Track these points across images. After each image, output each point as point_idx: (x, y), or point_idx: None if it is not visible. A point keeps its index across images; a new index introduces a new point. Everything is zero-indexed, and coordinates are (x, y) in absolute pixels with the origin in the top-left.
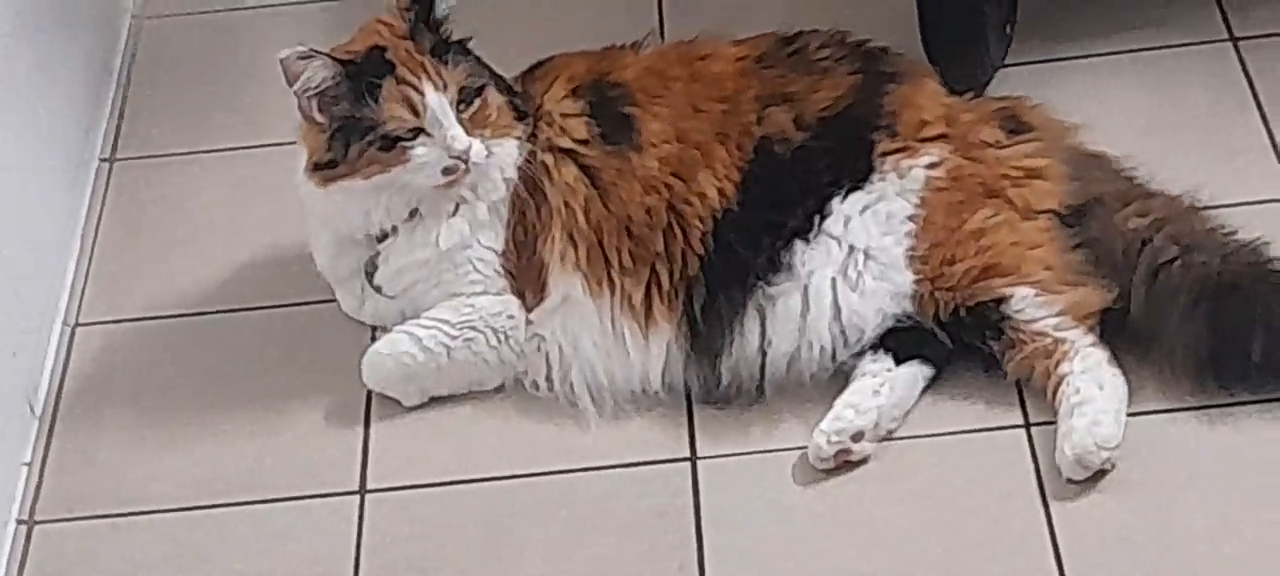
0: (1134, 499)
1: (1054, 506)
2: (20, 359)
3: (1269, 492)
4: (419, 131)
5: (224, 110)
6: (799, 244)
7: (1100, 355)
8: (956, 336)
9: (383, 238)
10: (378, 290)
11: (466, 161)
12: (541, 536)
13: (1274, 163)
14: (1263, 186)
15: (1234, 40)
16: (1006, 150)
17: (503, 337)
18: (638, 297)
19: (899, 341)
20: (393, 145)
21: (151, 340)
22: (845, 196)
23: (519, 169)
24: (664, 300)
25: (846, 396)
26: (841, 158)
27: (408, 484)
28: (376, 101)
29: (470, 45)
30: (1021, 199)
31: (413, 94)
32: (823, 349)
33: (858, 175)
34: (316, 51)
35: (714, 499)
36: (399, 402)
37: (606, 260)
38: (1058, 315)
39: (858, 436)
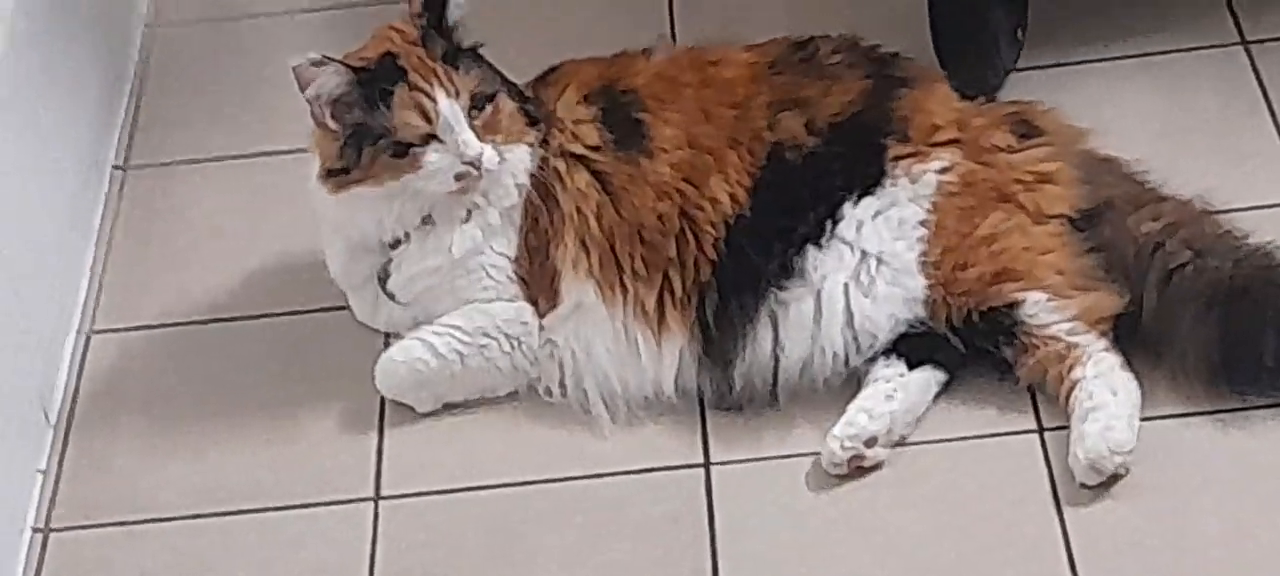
0: (1148, 504)
1: (1068, 511)
2: (35, 366)
3: None
4: (431, 138)
5: (237, 117)
6: (811, 249)
7: (1113, 360)
8: (969, 341)
9: (395, 244)
10: (391, 297)
11: (479, 168)
12: (555, 542)
13: None
14: (1275, 190)
15: (1245, 44)
16: (1018, 155)
17: (516, 344)
18: (650, 304)
19: (912, 346)
20: (405, 152)
21: (166, 347)
22: (857, 202)
23: (531, 175)
24: (676, 306)
25: (859, 402)
26: (853, 163)
27: (421, 490)
28: (389, 108)
29: (482, 51)
30: (1033, 203)
31: (425, 100)
32: (835, 354)
33: (869, 180)
34: (329, 58)
35: (727, 505)
36: (412, 409)
37: (619, 266)
38: (1070, 320)
39: (871, 442)
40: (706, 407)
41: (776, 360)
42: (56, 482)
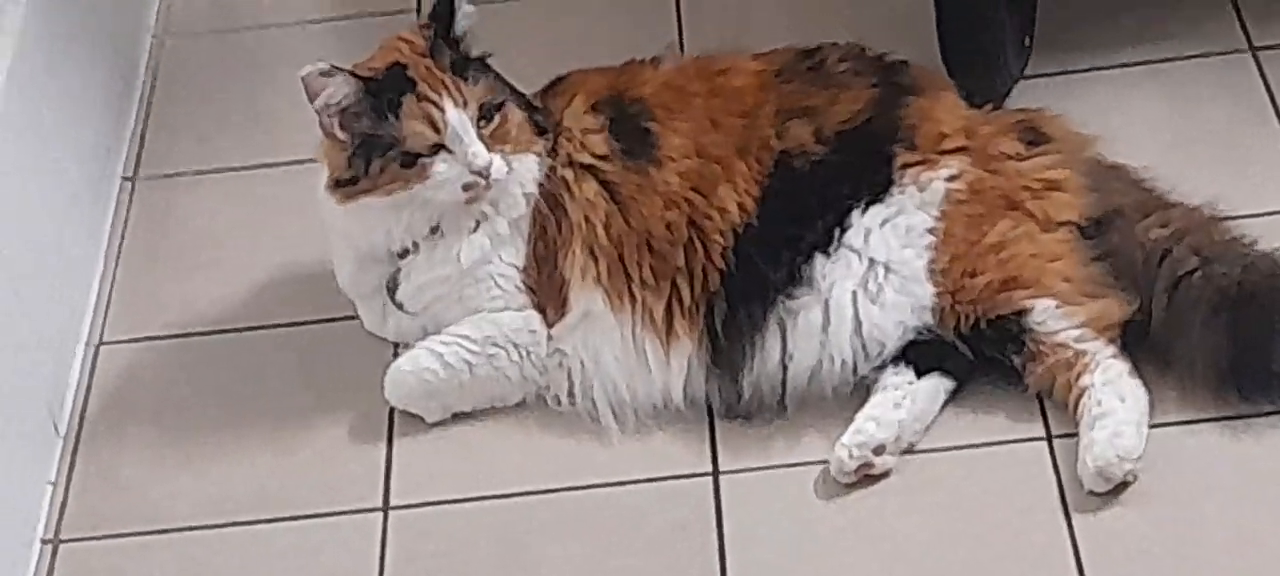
0: (1156, 511)
1: (1076, 518)
2: (44, 377)
3: None
4: (439, 148)
5: (245, 128)
6: (819, 258)
7: (1121, 367)
8: (977, 349)
9: (404, 254)
10: (399, 307)
11: (487, 177)
12: (564, 552)
13: None
14: None
15: (1253, 50)
16: (1026, 162)
17: (524, 353)
18: (659, 312)
19: (920, 354)
20: (413, 162)
21: (174, 358)
22: (865, 210)
23: (539, 185)
24: (685, 315)
25: (868, 409)
26: (861, 171)
27: (430, 500)
28: (397, 118)
29: (489, 62)
30: (1041, 211)
31: (433, 110)
32: (844, 362)
33: (877, 188)
34: (337, 68)
35: (736, 513)
36: (421, 419)
37: (627, 275)
38: (1079, 327)
39: (879, 449)
40: (715, 416)
41: (785, 368)
42: (66, 494)
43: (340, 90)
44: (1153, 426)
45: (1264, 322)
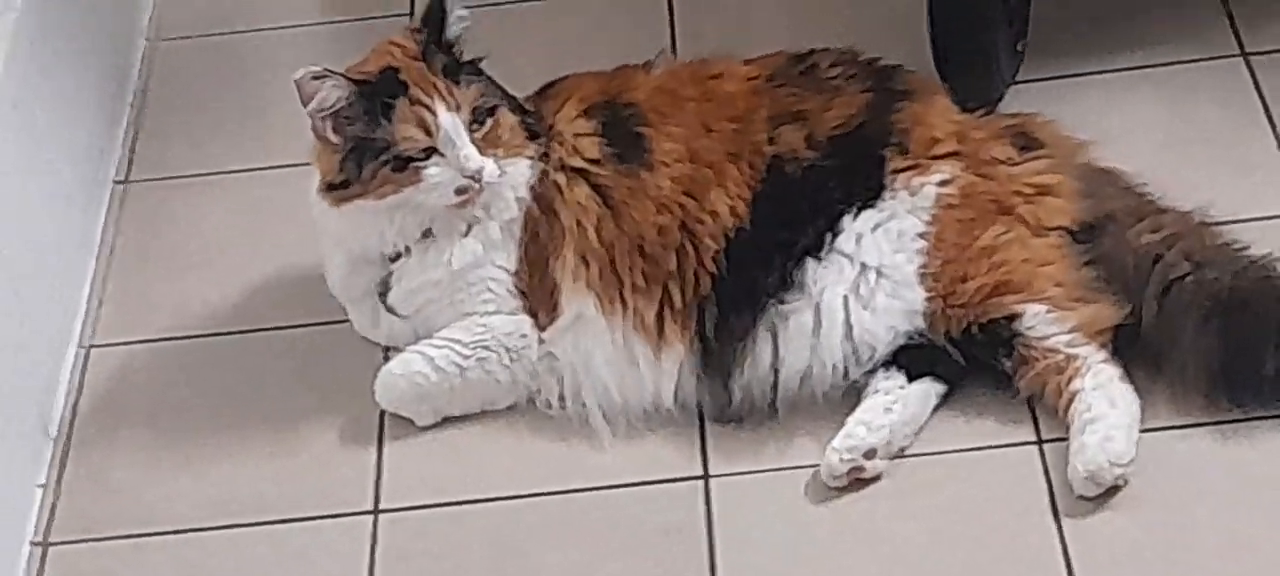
0: (1146, 515)
1: (1066, 523)
2: (35, 380)
3: None
4: (432, 151)
5: (237, 132)
6: (811, 262)
7: (1112, 371)
8: (969, 353)
9: (396, 258)
10: (391, 310)
11: (479, 181)
12: (555, 555)
13: None
14: (1275, 202)
15: (1246, 55)
16: (1018, 167)
17: (515, 357)
18: (650, 316)
19: (911, 358)
20: (406, 165)
21: (166, 361)
22: (857, 214)
23: (531, 188)
24: (676, 319)
25: (859, 414)
26: (853, 176)
27: (421, 504)
28: (390, 122)
29: (482, 65)
30: (1033, 216)
31: (426, 114)
32: (835, 367)
33: (869, 193)
34: (330, 72)
35: (727, 517)
36: (412, 422)
37: (619, 279)
38: (1070, 332)
39: (870, 454)
40: (706, 420)
41: (776, 372)
42: (56, 496)
43: (333, 93)
44: (1143, 431)
45: (1255, 327)
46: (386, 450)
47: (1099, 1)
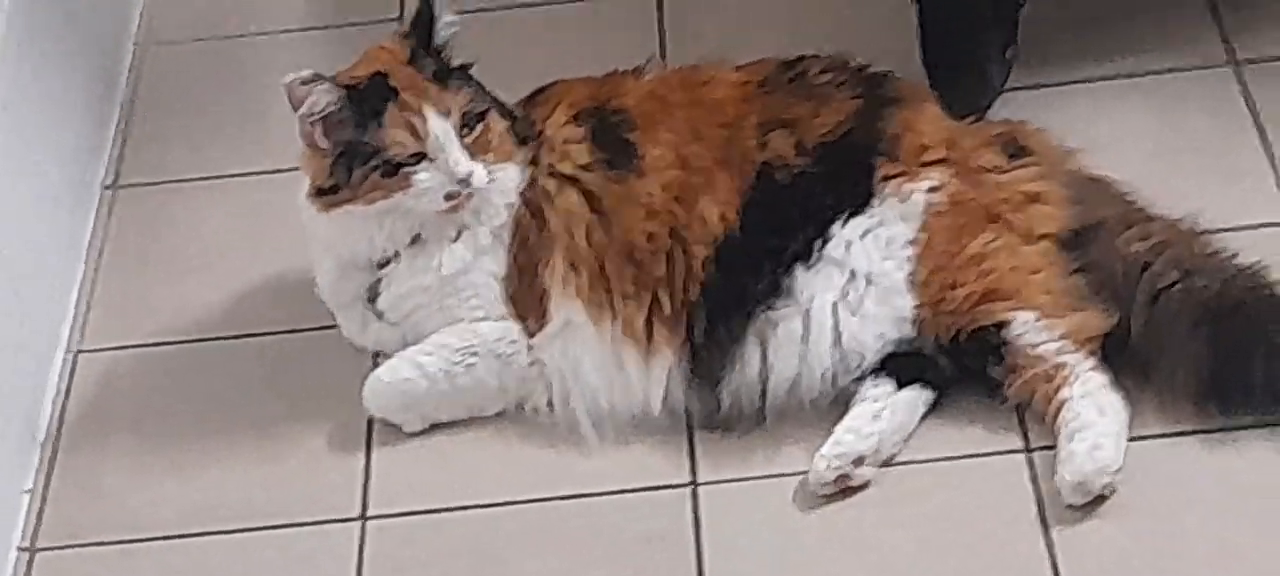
0: (1135, 523)
1: (1055, 531)
2: (22, 385)
3: (1271, 516)
4: (421, 156)
5: (227, 136)
6: (800, 269)
7: (1101, 379)
8: (957, 361)
9: (385, 263)
10: (380, 316)
11: (469, 187)
12: (542, 562)
13: (1275, 187)
14: (1264, 210)
15: (1235, 64)
16: (1007, 175)
17: (504, 363)
18: (639, 323)
19: (900, 366)
20: (395, 171)
21: (154, 367)
22: (846, 221)
23: (521, 194)
24: (665, 325)
25: (847, 421)
26: (842, 183)
27: (409, 510)
28: (380, 126)
29: (472, 71)
30: (1022, 223)
31: (415, 119)
32: (824, 373)
33: (858, 200)
34: (320, 77)
35: (715, 524)
36: (400, 428)
37: (608, 285)
38: (1058, 340)
39: (858, 461)
40: (694, 427)
41: (765, 379)
42: (43, 502)
43: (323, 98)
44: (1132, 439)
45: (1244, 335)
46: (375, 456)
47: (1088, 10)
